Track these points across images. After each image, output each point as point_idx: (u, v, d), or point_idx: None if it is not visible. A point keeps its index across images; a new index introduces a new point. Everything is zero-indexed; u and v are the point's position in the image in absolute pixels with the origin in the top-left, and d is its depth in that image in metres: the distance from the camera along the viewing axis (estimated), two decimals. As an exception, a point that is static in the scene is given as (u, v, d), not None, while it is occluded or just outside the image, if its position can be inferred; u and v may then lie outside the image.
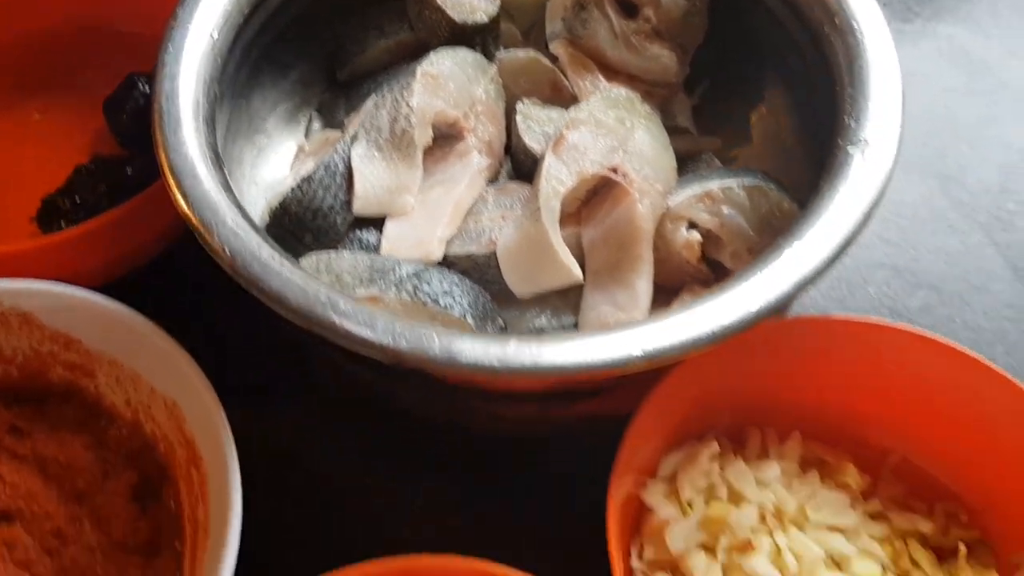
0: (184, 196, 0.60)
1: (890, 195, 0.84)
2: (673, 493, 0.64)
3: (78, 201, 0.75)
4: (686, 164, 0.77)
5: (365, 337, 0.54)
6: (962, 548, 0.62)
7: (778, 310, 0.56)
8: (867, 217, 0.60)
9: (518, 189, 0.73)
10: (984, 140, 0.87)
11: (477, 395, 0.62)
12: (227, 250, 0.58)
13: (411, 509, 0.69)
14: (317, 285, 0.56)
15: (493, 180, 0.75)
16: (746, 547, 0.60)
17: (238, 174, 0.75)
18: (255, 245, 0.58)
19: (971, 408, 0.64)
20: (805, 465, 0.67)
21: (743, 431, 0.68)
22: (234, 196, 0.61)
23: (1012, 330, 0.77)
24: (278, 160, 0.80)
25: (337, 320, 0.55)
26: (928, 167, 0.85)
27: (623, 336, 0.55)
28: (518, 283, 0.69)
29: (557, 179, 0.67)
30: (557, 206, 0.67)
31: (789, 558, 0.61)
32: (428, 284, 0.65)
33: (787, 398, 0.67)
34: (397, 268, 0.66)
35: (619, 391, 0.62)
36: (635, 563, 0.62)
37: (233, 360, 0.75)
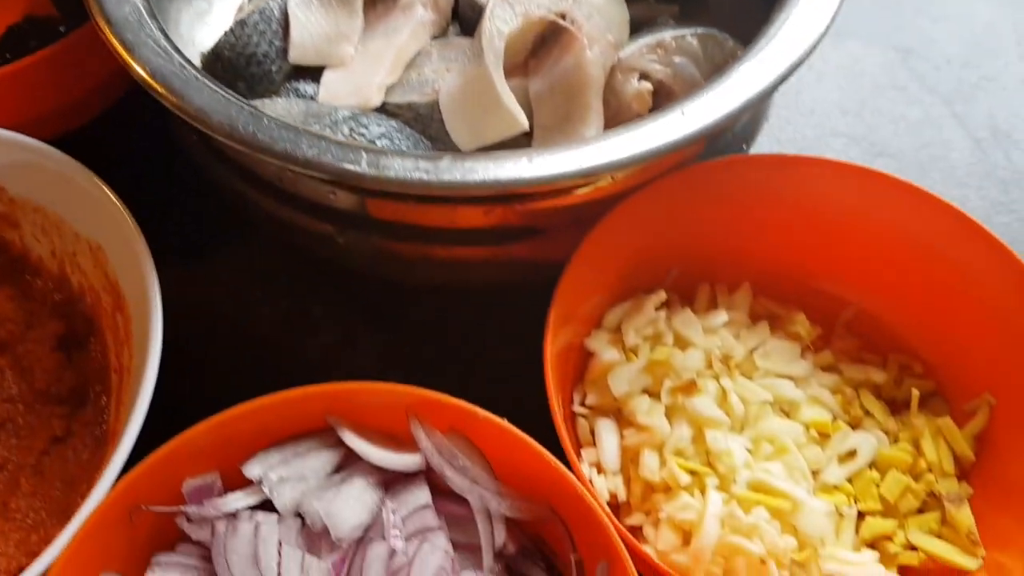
0: (107, 22, 0.58)
1: (850, 66, 0.83)
2: (618, 341, 0.62)
3: (8, 57, 0.71)
4: (641, 30, 0.74)
5: (288, 151, 0.52)
6: (914, 392, 0.60)
7: (713, 134, 0.54)
8: (813, 46, 0.57)
9: (464, 43, 0.70)
10: (946, 15, 0.85)
11: (412, 233, 0.59)
12: (148, 68, 0.55)
13: (347, 361, 0.67)
14: (240, 103, 0.54)
15: (439, 37, 0.72)
16: (690, 388, 0.58)
17: (175, 35, 0.72)
18: (177, 65, 0.55)
19: (930, 255, 0.61)
20: (755, 318, 0.65)
21: (694, 288, 0.66)
22: (160, 24, 0.59)
23: (973, 196, 0.75)
24: (219, 24, 0.77)
25: (261, 135, 0.53)
26: (888, 40, 0.83)
27: (555, 154, 0.52)
28: (462, 134, 0.66)
29: (501, 19, 0.65)
30: (501, 47, 0.65)
31: (735, 401, 0.59)
32: (365, 128, 0.63)
33: (736, 250, 0.65)
34: (333, 112, 0.64)
35: (558, 234, 0.60)
36: (577, 408, 0.60)
37: (175, 220, 0.73)
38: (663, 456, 0.57)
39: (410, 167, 0.51)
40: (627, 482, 0.58)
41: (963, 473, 0.59)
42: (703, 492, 0.56)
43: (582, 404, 0.60)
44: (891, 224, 0.62)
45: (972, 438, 0.59)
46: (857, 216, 0.63)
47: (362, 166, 0.51)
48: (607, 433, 0.58)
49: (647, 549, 0.55)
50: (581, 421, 0.60)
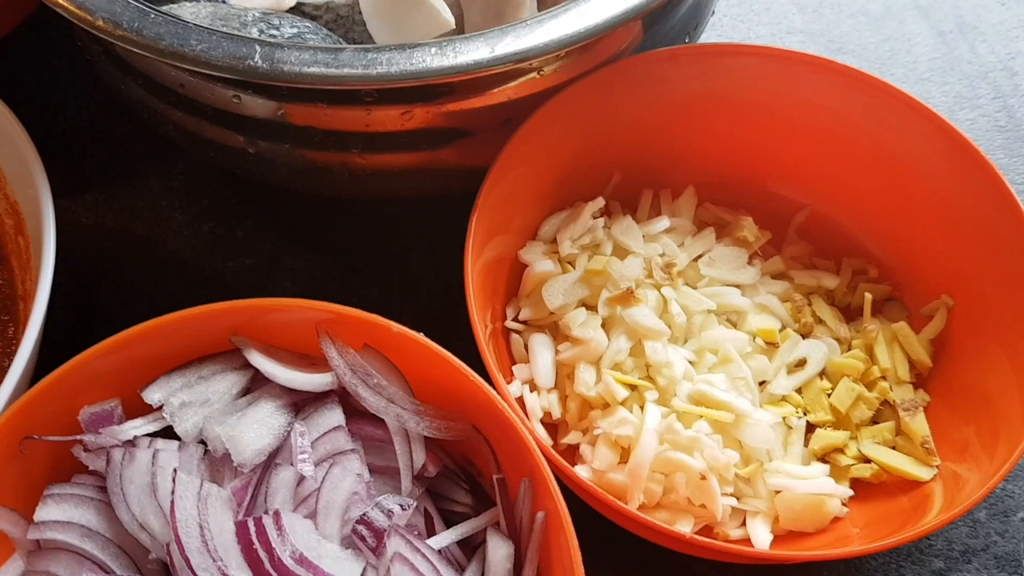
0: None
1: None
2: (554, 252, 0.58)
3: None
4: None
5: (175, 47, 0.47)
6: (867, 297, 0.57)
7: (635, 17, 0.49)
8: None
9: (388, -61, 0.65)
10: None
11: (329, 140, 0.55)
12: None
13: (270, 283, 0.63)
14: (127, 2, 0.49)
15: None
16: (628, 298, 0.54)
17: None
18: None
19: (887, 151, 0.57)
20: (702, 224, 0.61)
21: (638, 195, 0.62)
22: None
23: (936, 92, 0.71)
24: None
25: (147, 32, 0.48)
26: (850, -72, 0.78)
27: (468, 43, 0.48)
28: (384, 35, 0.61)
29: (420, -94, 0.59)
30: (421, -63, 0.59)
31: (676, 310, 0.55)
32: (276, 28, 0.58)
33: (681, 152, 0.61)
34: (243, 14, 0.59)
35: (489, 136, 0.56)
36: (510, 323, 0.57)
37: (94, 142, 0.69)
38: (600, 370, 0.53)
39: (307, 60, 0.47)
40: (563, 399, 0.55)
41: (920, 381, 0.56)
42: (642, 407, 0.52)
43: (516, 319, 0.57)
44: (845, 119, 0.58)
45: (929, 343, 0.56)
46: (809, 111, 0.58)
47: (255, 60, 0.47)
48: (541, 348, 0.55)
49: (582, 469, 0.52)
50: (515, 337, 0.57)
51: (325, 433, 0.47)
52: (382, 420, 0.48)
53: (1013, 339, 0.52)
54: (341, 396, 0.48)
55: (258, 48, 0.47)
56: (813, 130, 0.59)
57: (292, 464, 0.45)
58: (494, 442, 0.48)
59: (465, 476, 0.49)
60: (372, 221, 0.66)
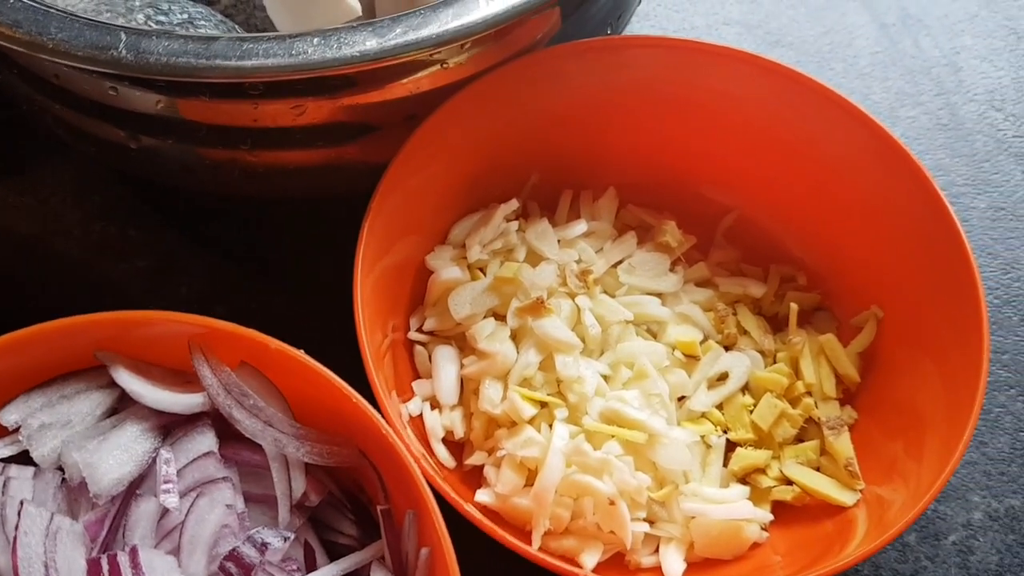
0: None
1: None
2: (463, 258, 0.54)
3: None
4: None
5: (34, 35, 0.43)
6: (792, 307, 0.54)
7: (539, 7, 0.45)
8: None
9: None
10: None
11: (215, 136, 0.51)
12: None
13: (163, 287, 0.59)
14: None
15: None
16: (538, 308, 0.50)
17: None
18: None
19: (818, 153, 0.54)
20: (624, 228, 0.58)
21: (558, 197, 0.59)
22: None
23: (877, 88, 0.67)
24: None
25: (4, 18, 0.43)
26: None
27: (356, 33, 0.44)
28: (285, 22, 0.57)
29: None
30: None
31: (590, 321, 0.51)
32: (165, 14, 0.53)
33: (603, 152, 0.57)
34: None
35: (395, 132, 0.52)
36: (414, 335, 0.53)
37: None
38: (507, 386, 0.50)
39: (176, 50, 0.43)
40: (468, 417, 0.51)
41: (847, 396, 0.53)
42: (551, 426, 0.49)
43: (420, 330, 0.53)
44: (774, 117, 0.54)
45: (857, 356, 0.53)
46: (736, 108, 0.55)
47: (119, 50, 0.43)
48: (445, 362, 0.51)
49: (485, 494, 0.48)
50: (419, 349, 0.53)
51: (194, 460, 0.43)
52: (260, 445, 0.44)
53: (944, 350, 0.49)
54: (217, 418, 0.44)
55: (123, 37, 0.43)
56: (740, 128, 0.55)
57: (155, 495, 0.41)
58: (383, 469, 0.44)
59: (353, 505, 0.45)
60: (279, 221, 0.61)
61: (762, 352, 0.54)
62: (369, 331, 0.46)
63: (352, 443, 0.44)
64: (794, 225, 0.56)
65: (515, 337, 0.51)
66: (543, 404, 0.50)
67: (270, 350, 0.43)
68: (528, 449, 0.48)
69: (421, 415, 0.50)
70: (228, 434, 0.44)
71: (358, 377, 0.43)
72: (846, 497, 0.49)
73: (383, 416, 0.42)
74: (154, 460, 0.42)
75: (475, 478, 0.50)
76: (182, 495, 0.42)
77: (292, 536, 0.42)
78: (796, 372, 0.53)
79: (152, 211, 0.61)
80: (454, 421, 0.50)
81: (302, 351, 0.43)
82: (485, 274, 0.53)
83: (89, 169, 0.63)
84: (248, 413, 0.43)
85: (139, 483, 0.42)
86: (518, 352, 0.50)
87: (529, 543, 0.45)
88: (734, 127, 0.55)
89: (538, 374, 0.50)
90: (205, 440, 0.43)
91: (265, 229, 0.61)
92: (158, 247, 0.60)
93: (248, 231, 0.61)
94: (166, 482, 0.41)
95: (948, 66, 0.69)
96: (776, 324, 0.56)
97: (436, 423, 0.50)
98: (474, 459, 0.50)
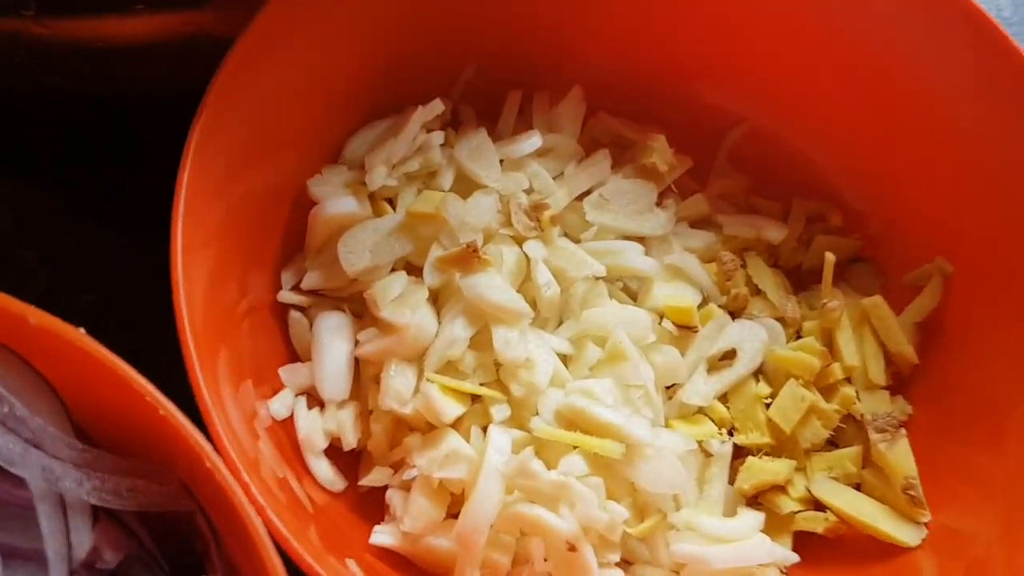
0: None
1: None
2: (361, 184, 0.38)
3: None
4: None
5: None
6: (828, 257, 0.41)
7: None
8: None
9: None
10: None
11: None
12: None
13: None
14: None
15: None
16: (470, 259, 0.36)
17: None
18: None
19: (873, 43, 0.40)
20: (593, 145, 0.42)
21: (500, 99, 0.43)
22: None
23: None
24: None
25: None
26: None
27: None
28: None
29: None
30: None
31: (545, 277, 0.38)
32: None
33: (566, 38, 0.42)
34: None
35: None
36: (285, 295, 0.37)
37: None
38: (422, 373, 0.35)
39: None
40: (364, 417, 0.37)
41: (899, 383, 0.41)
42: (486, 431, 0.35)
43: (295, 288, 0.37)
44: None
45: (915, 328, 0.41)
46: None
47: None
48: (331, 336, 0.37)
49: (384, 533, 0.34)
50: (295, 317, 0.38)
51: (-94, 505, 0.27)
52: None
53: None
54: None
55: None
56: (761, 9, 0.40)
57: None
58: (214, 512, 0.29)
59: (176, 564, 0.30)
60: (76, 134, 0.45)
61: (783, 321, 0.42)
62: (204, 289, 0.31)
63: (170, 474, 0.29)
64: (831, 143, 0.44)
65: (435, 301, 0.38)
66: (474, 399, 0.37)
67: (30, 328, 0.27)
68: (451, 467, 0.35)
69: (292, 417, 0.35)
70: (-25, 459, 0.29)
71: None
72: (905, 534, 0.36)
73: (211, 436, 0.27)
74: None
75: (374, 506, 0.36)
76: None
77: (69, 623, 0.27)
78: (831, 350, 0.40)
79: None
80: (343, 424, 0.36)
81: (82, 329, 0.27)
82: (394, 208, 0.39)
83: None
84: (1, 427, 0.28)
85: None
86: (439, 323, 0.37)
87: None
88: (752, 6, 0.40)
89: (468, 355, 0.37)
90: (-75, 471, 0.28)
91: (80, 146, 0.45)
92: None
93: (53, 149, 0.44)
94: None
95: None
96: (800, 281, 0.44)
97: (315, 429, 0.35)
98: (372, 478, 0.36)
